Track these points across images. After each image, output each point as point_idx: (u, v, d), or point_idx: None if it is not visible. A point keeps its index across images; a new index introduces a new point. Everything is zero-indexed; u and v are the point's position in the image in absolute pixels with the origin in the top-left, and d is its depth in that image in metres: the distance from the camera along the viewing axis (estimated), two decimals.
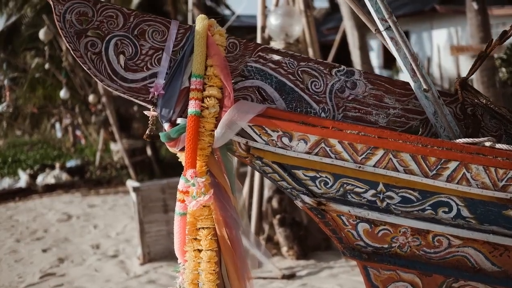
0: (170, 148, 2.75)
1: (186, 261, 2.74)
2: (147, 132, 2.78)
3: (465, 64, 16.84)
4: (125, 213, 11.14)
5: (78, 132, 20.57)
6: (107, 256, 8.26)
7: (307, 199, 2.75)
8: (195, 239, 2.73)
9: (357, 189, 2.71)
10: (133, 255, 8.09)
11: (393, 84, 2.87)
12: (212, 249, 2.70)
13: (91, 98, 15.88)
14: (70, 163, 16.08)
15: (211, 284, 2.71)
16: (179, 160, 2.76)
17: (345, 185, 2.71)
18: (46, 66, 17.17)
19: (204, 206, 2.68)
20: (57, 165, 15.56)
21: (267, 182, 7.42)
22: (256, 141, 2.70)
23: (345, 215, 2.76)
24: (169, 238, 7.67)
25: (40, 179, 14.75)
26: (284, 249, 7.28)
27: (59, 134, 23.01)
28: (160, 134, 2.71)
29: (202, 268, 2.71)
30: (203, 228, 2.71)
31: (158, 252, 7.67)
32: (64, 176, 14.95)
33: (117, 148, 15.53)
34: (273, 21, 6.99)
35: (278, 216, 7.32)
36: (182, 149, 2.69)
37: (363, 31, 9.49)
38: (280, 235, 7.30)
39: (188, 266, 2.73)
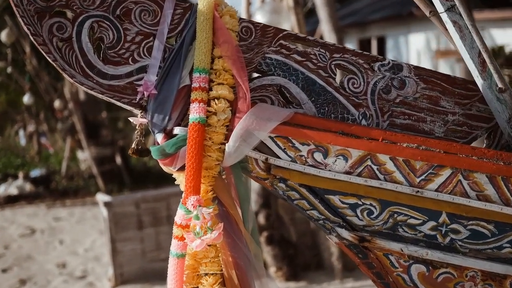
0: (165, 167, 2.06)
1: None
2: (133, 146, 2.09)
3: (445, 68, 16.43)
4: (94, 226, 10.38)
5: (44, 140, 19.62)
6: (74, 277, 7.54)
7: (345, 233, 2.09)
8: None
9: (411, 220, 2.06)
10: (104, 276, 7.36)
11: (452, 82, 2.22)
12: None
13: (56, 103, 15.04)
14: (35, 173, 15.18)
15: None
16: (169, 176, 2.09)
17: (395, 215, 2.07)
18: (9, 70, 16.27)
19: (210, 246, 2.01)
20: (21, 174, 14.65)
21: (252, 195, 6.75)
22: (279, 157, 2.05)
23: (395, 254, 2.10)
24: (144, 258, 6.97)
25: (2, 190, 13.84)
26: (272, 269, 6.61)
27: (23, 141, 22.00)
28: (151, 148, 2.04)
29: None
30: (207, 274, 2.03)
31: (132, 273, 6.96)
32: (28, 186, 14.07)
33: (85, 156, 14.72)
34: (260, 18, 6.35)
35: (265, 233, 6.65)
36: (182, 169, 2.03)
37: (341, 35, 9.02)
38: (267, 254, 6.62)
39: None
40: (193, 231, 1.96)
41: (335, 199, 2.08)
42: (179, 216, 2.01)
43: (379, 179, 2.02)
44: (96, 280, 7.30)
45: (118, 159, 14.23)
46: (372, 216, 2.08)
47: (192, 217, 1.95)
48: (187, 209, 1.96)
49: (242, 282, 2.10)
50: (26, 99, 14.71)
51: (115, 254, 6.91)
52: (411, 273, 2.12)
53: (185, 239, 2.00)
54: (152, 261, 7.01)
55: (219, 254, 2.04)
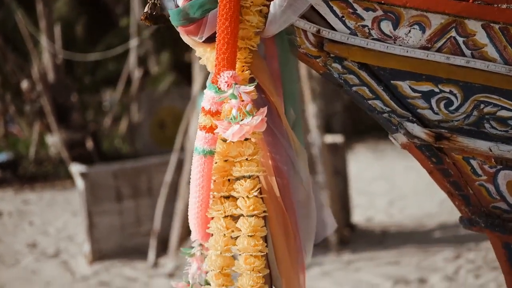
0: (186, 37, 1.59)
1: (210, 236, 1.58)
2: (145, 9, 1.60)
3: None
4: (66, 209, 9.80)
5: (12, 127, 18.85)
6: (46, 256, 6.97)
7: (417, 129, 1.63)
8: (228, 197, 1.57)
9: (502, 113, 1.62)
10: (78, 254, 6.82)
11: None
12: (258, 214, 1.56)
13: (24, 84, 14.37)
14: (1, 157, 14.51)
15: (256, 276, 1.56)
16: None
17: (481, 106, 1.62)
18: None
19: (246, 140, 1.53)
20: None
21: None
22: (334, 29, 1.57)
23: (478, 158, 1.65)
24: (123, 232, 6.46)
25: None
26: None
27: None
28: (170, 12, 1.56)
29: (240, 247, 1.56)
30: (243, 177, 1.55)
31: (110, 248, 6.40)
32: None
33: (54, 141, 14.08)
34: None
35: None
36: (210, 40, 1.54)
37: None
38: None
39: (213, 245, 1.58)
40: (227, 117, 1.49)
41: (404, 86, 1.62)
42: (208, 99, 1.54)
43: (464, 55, 1.57)
44: (70, 258, 6.75)
45: (89, 144, 13.65)
46: (451, 108, 1.63)
47: (227, 96, 1.47)
48: (219, 88, 1.49)
49: (284, 193, 1.64)
50: None
51: (92, 228, 6.36)
52: (498, 182, 1.68)
53: (214, 129, 1.53)
54: (132, 236, 6.48)
55: (258, 152, 1.56)
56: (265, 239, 1.60)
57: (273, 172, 1.63)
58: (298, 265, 1.73)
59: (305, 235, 1.72)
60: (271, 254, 1.64)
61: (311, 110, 6.00)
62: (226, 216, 1.57)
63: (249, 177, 1.55)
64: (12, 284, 6.07)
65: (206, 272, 1.65)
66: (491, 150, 1.62)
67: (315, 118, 6.00)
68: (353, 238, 6.49)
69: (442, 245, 6.04)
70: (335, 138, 6.97)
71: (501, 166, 1.66)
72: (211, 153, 1.56)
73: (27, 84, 14.32)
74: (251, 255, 1.56)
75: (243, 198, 1.55)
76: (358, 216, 7.30)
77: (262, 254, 1.57)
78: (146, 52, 16.11)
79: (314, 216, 1.72)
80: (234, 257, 1.60)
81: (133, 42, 13.69)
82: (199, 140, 1.56)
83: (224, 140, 1.55)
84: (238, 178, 1.56)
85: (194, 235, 1.66)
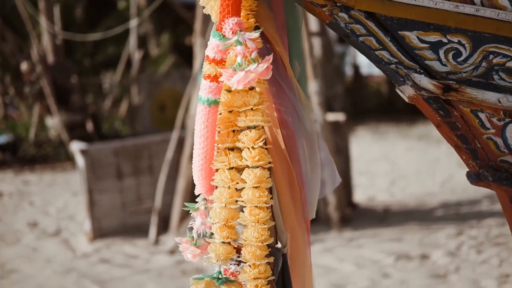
0: None
1: (214, 189, 1.56)
2: None
3: None
4: (66, 190, 9.78)
5: (11, 111, 18.77)
6: (47, 234, 6.96)
7: (425, 80, 1.60)
8: (233, 148, 1.55)
9: None
10: (79, 232, 6.82)
11: None
12: (264, 164, 1.54)
13: (23, 66, 14.31)
14: (1, 139, 14.46)
15: (261, 227, 1.54)
16: None
17: (490, 57, 1.59)
18: None
19: (251, 90, 1.51)
20: None
21: None
22: None
23: (486, 110, 1.63)
24: (124, 210, 6.44)
25: None
26: None
27: None
28: None
29: (245, 198, 1.54)
30: (248, 128, 1.53)
31: (111, 226, 6.39)
32: None
33: (53, 123, 14.03)
34: None
35: None
36: None
37: None
38: None
39: (218, 197, 1.55)
40: (231, 64, 1.46)
41: (412, 37, 1.59)
42: (212, 47, 1.51)
43: (474, 3, 1.54)
44: (71, 236, 6.74)
45: (89, 126, 13.62)
46: (459, 59, 1.60)
47: (233, 42, 1.44)
48: (223, 35, 1.46)
49: (289, 145, 1.61)
50: None
51: (92, 206, 6.34)
52: (506, 136, 1.65)
53: (219, 78, 1.50)
54: (133, 213, 6.47)
55: (264, 102, 1.54)
56: (270, 191, 1.58)
57: (278, 124, 1.60)
58: (303, 219, 1.71)
59: (309, 189, 1.69)
60: (276, 208, 1.62)
61: (313, 87, 5.96)
62: (231, 168, 1.55)
63: (254, 127, 1.53)
64: (13, 261, 6.05)
65: (211, 227, 1.62)
66: (500, 102, 1.59)
67: (316, 96, 5.97)
68: (355, 216, 6.48)
69: (444, 223, 6.04)
70: (337, 116, 6.92)
71: (510, 119, 1.63)
72: (216, 102, 1.53)
73: (26, 65, 14.28)
74: (256, 206, 1.54)
75: (248, 148, 1.53)
76: (360, 195, 7.29)
77: (267, 205, 1.55)
78: (146, 34, 16.05)
79: (318, 169, 1.69)
80: (238, 210, 1.58)
81: (133, 23, 13.60)
82: (203, 90, 1.54)
83: (229, 91, 1.52)
84: (243, 129, 1.54)
85: (198, 189, 1.64)
